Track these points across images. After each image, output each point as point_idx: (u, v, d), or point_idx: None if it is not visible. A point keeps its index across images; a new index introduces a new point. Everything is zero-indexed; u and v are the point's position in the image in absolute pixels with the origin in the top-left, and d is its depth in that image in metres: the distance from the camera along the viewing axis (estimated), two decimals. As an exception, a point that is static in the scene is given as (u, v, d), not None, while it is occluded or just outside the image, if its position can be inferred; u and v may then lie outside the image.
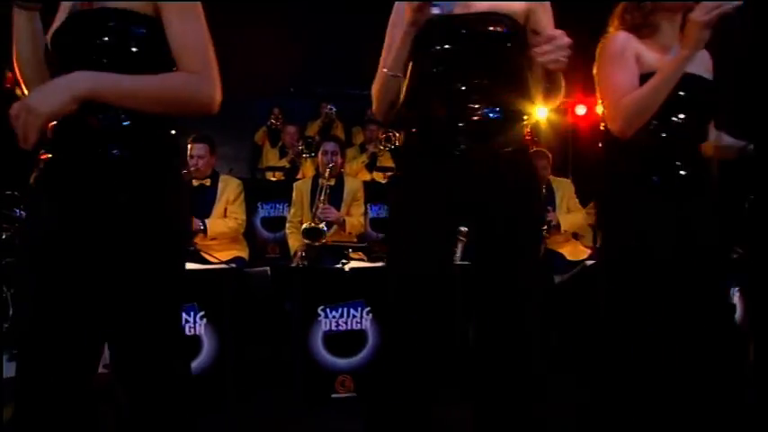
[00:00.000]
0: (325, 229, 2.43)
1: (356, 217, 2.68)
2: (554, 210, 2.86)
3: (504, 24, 1.04)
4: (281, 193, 3.09)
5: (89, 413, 0.84)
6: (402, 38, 1.03)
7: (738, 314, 2.40)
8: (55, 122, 0.79)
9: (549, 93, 1.09)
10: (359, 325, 1.86)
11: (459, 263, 2.28)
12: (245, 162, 5.26)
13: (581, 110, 5.87)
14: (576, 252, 2.81)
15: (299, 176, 3.76)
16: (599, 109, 5.47)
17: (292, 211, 2.73)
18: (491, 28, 1.03)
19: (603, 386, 1.22)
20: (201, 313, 1.78)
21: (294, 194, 2.73)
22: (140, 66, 0.83)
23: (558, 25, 1.10)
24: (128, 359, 0.82)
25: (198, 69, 0.84)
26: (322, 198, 2.51)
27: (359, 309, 1.86)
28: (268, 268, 2.13)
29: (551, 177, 3.06)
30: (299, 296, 1.83)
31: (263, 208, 3.17)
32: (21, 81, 0.93)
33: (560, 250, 2.81)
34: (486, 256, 1.06)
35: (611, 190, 1.28)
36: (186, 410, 0.86)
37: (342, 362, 1.84)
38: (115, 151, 0.80)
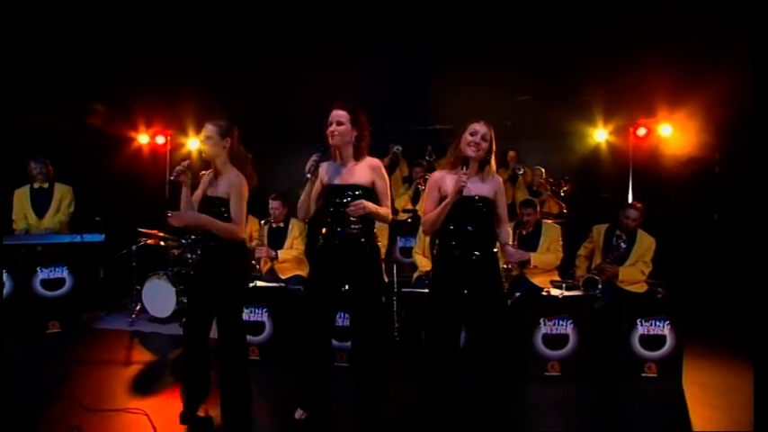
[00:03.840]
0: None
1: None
2: (535, 248, 3.60)
3: (359, 190, 2.18)
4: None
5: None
6: (312, 183, 2.23)
7: (667, 345, 2.93)
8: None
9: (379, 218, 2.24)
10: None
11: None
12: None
13: (641, 131, 5.94)
14: (545, 282, 3.52)
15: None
16: (661, 130, 5.65)
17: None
18: (349, 192, 2.19)
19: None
20: (265, 309, 3.19)
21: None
22: (220, 216, 2.28)
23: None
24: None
25: (237, 223, 2.25)
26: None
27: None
28: (301, 287, 3.43)
29: (543, 221, 3.77)
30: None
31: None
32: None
33: (534, 279, 3.56)
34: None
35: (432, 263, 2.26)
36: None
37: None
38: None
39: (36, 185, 4.12)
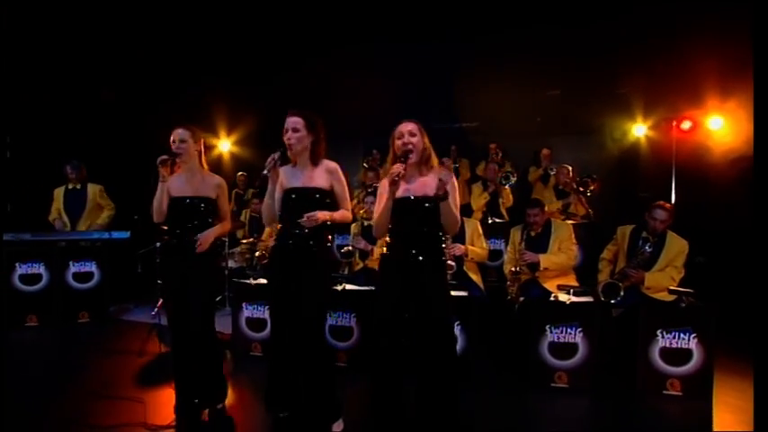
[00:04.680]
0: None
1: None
2: (546, 250, 3.38)
3: (318, 193, 2.17)
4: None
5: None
6: (273, 185, 2.22)
7: (694, 360, 2.62)
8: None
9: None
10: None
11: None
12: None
13: (686, 125, 5.44)
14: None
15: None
16: (710, 123, 5.16)
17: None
18: (309, 196, 2.17)
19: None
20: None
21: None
22: (207, 217, 2.34)
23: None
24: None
25: (226, 219, 2.38)
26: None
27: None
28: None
29: (552, 220, 3.54)
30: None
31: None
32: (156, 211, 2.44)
33: (546, 283, 3.33)
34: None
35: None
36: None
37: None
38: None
39: (70, 186, 4.46)
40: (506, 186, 4.81)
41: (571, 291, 2.80)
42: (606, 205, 5.61)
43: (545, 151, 5.37)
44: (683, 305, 2.70)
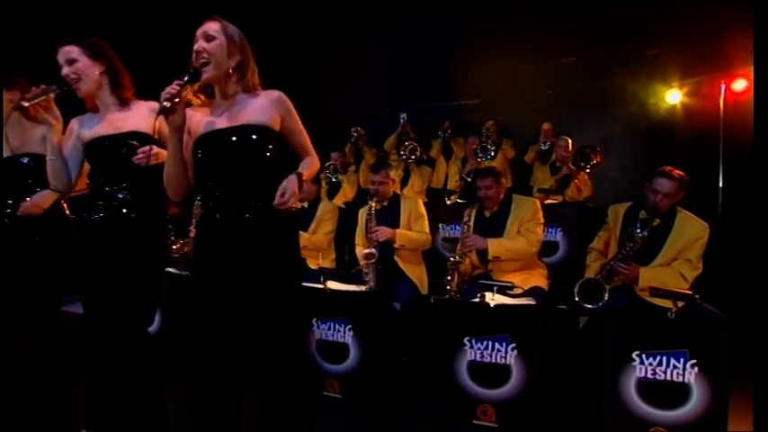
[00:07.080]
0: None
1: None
2: (502, 233, 2.53)
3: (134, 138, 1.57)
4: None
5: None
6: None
7: (694, 400, 1.69)
8: None
9: None
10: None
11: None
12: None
13: (740, 85, 4.25)
14: (522, 282, 2.41)
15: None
16: None
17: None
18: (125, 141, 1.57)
19: None
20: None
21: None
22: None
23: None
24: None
25: None
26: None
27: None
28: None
29: (515, 195, 2.68)
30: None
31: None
32: None
33: (505, 279, 2.46)
34: None
35: None
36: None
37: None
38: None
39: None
40: (485, 161, 3.92)
41: (495, 288, 1.94)
42: (631, 189, 4.54)
43: (545, 126, 4.42)
44: (673, 316, 1.74)
